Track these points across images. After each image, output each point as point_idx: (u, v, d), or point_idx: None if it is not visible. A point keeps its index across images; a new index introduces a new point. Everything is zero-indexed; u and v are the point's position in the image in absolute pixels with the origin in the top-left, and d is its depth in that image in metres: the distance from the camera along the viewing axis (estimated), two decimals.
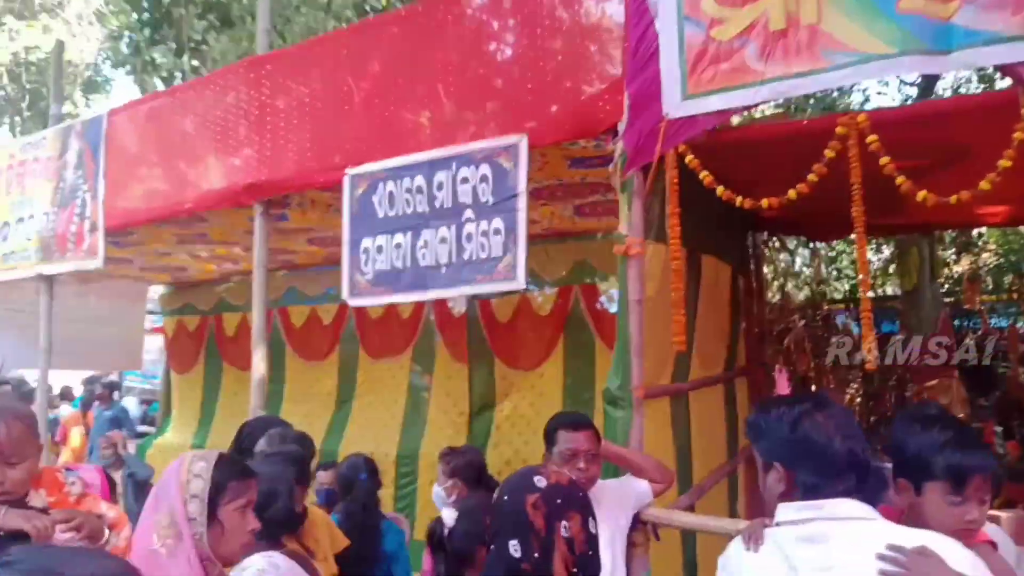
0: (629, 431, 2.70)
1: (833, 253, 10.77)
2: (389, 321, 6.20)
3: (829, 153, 2.57)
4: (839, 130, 2.56)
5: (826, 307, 9.54)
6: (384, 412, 5.97)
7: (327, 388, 6.55)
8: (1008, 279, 8.73)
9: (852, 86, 9.76)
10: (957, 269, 9.02)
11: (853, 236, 2.79)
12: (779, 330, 9.34)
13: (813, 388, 9.67)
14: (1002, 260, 9.48)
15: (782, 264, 10.56)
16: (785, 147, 2.95)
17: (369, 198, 3.71)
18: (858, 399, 8.81)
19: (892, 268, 9.96)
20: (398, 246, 3.56)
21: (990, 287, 8.75)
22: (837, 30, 2.51)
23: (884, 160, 2.53)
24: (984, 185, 2.49)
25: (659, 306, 2.96)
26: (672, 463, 3.15)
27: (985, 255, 9.45)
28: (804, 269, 10.79)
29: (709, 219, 3.68)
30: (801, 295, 10.43)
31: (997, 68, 2.41)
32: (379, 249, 3.63)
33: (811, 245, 8.74)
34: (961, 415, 7.66)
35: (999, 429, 7.47)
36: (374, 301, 3.71)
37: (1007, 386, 7.92)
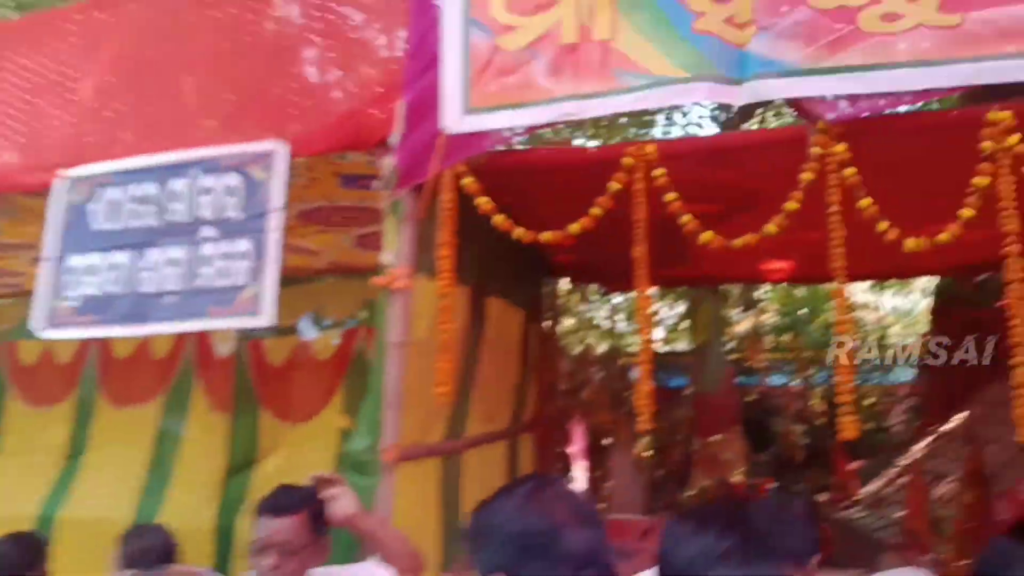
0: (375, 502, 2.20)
1: (626, 308, 11.07)
2: (139, 360, 5.27)
3: (614, 185, 2.30)
4: (626, 160, 2.29)
5: (623, 360, 9.70)
6: (122, 470, 4.99)
7: (57, 439, 5.42)
8: (786, 338, 9.30)
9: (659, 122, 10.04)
10: (741, 328, 9.50)
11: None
12: (579, 382, 9.34)
13: (610, 441, 9.72)
14: (781, 319, 10.16)
15: (582, 315, 10.66)
16: (573, 177, 2.67)
17: (84, 207, 2.98)
18: (648, 453, 8.92)
19: (685, 324, 10.33)
20: (114, 267, 2.86)
21: (770, 346, 9.29)
22: (631, 49, 2.26)
23: (670, 196, 2.29)
24: (770, 228, 2.31)
25: (432, 351, 2.53)
26: (438, 536, 2.68)
27: (766, 315, 10.07)
28: (605, 321, 10.99)
29: (498, 258, 3.33)
30: (601, 348, 10.59)
31: (788, 102, 2.27)
32: (91, 269, 2.91)
33: (607, 296, 8.85)
34: (742, 470, 7.95)
35: (775, 485, 7.79)
36: (76, 334, 2.96)
37: (781, 443, 8.35)
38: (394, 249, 2.49)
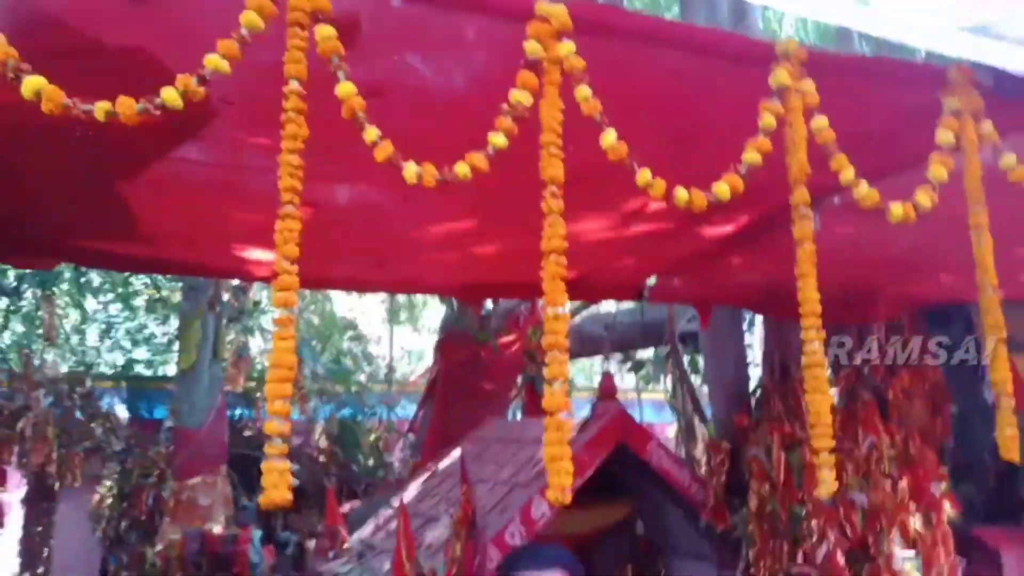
0: None
1: (105, 320, 8.99)
2: None
3: None
4: None
5: (90, 383, 7.67)
6: None
7: None
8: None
9: None
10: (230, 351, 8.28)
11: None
12: (16, 407, 7.04)
13: (56, 486, 7.52)
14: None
15: (33, 320, 8.27)
16: None
17: None
18: (108, 500, 7.09)
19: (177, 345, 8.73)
20: None
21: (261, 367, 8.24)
22: None
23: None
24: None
25: None
26: None
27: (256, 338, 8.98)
28: (73, 335, 8.70)
29: None
30: (65, 366, 8.32)
31: None
32: None
33: (46, 289, 6.86)
34: (222, 518, 6.70)
35: (259, 532, 6.69)
36: None
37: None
38: None
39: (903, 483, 3.63)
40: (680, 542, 4.69)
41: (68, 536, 7.38)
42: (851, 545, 3.54)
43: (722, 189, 1.51)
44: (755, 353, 5.15)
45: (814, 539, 3.56)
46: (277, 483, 1.12)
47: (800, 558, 3.59)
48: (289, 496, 1.12)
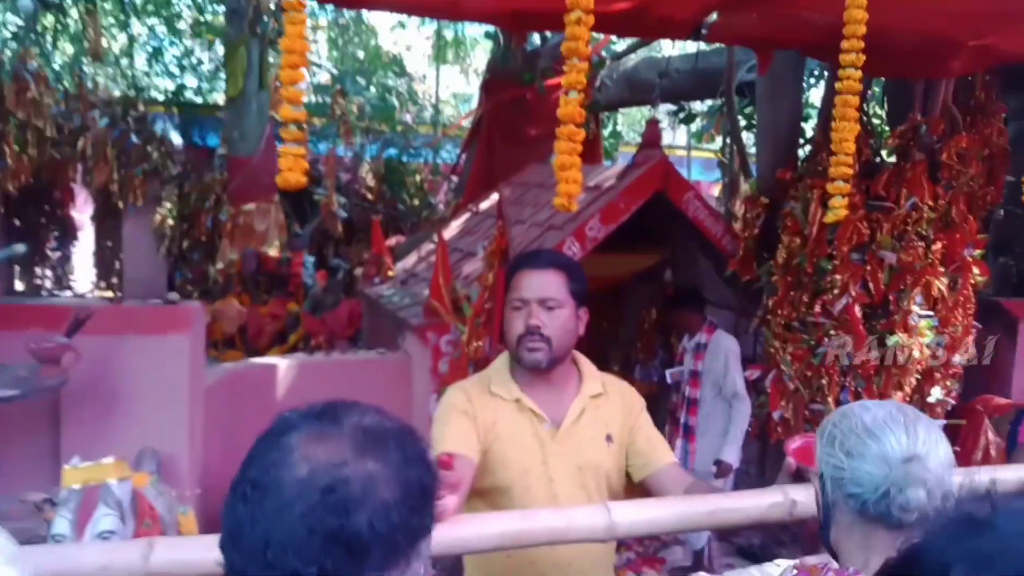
0: None
1: (152, 44, 8.86)
2: None
3: None
4: None
5: (143, 107, 7.77)
6: None
7: None
8: (330, 99, 8.23)
9: None
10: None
11: None
12: (74, 127, 7.23)
13: (120, 205, 7.95)
14: (331, 78, 9.10)
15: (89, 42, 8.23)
16: None
17: None
18: (170, 220, 7.50)
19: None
20: None
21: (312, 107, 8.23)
22: None
23: None
24: None
25: None
26: None
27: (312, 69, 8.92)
28: (123, 58, 8.64)
29: None
30: (117, 89, 8.38)
31: None
32: None
33: (89, 4, 6.71)
34: (276, 242, 7.09)
35: (312, 259, 7.12)
36: None
37: (322, 214, 7.64)
38: None
39: (937, 246, 3.59)
40: (706, 291, 4.87)
41: (135, 252, 7.91)
42: (871, 301, 3.61)
43: None
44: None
45: (835, 292, 3.63)
46: (292, 166, 1.16)
47: (818, 309, 3.68)
48: (304, 180, 1.17)
